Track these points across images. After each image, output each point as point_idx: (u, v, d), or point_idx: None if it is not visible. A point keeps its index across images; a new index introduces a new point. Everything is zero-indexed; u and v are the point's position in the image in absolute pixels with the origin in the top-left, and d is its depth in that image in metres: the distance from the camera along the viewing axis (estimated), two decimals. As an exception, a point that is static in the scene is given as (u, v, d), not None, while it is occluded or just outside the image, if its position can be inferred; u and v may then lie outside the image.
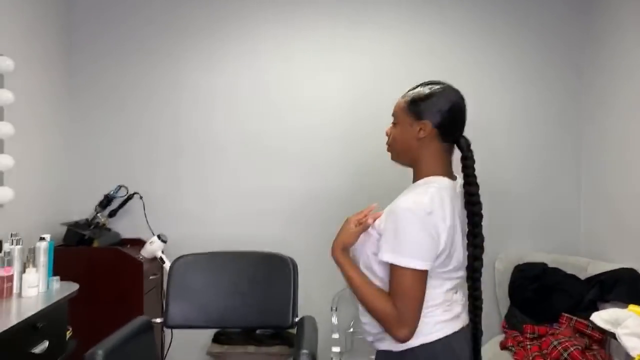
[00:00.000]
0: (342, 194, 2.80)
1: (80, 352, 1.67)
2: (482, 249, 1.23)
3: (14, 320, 1.56)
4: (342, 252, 1.30)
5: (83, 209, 2.71)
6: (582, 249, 2.72)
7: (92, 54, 2.77)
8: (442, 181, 1.24)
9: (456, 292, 1.28)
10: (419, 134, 1.24)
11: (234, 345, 2.47)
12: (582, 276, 2.48)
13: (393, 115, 1.31)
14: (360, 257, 1.29)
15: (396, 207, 1.18)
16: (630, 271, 2.27)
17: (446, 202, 1.19)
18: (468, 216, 1.23)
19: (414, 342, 1.19)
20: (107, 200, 2.63)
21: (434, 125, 1.23)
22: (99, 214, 2.60)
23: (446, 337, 1.22)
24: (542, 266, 2.59)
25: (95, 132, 2.78)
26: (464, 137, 1.27)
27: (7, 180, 2.12)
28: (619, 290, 2.25)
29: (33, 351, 1.64)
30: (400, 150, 1.30)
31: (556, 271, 2.56)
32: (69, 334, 1.97)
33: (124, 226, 2.73)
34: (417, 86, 1.30)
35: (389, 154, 1.34)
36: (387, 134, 1.34)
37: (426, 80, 1.32)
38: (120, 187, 2.67)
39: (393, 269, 1.16)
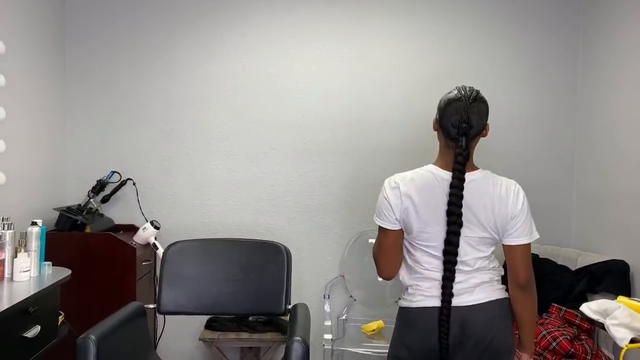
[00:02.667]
0: (336, 183, 2.80)
1: (73, 337, 1.67)
2: (454, 234, 1.38)
3: (5, 304, 1.55)
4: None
5: (76, 195, 2.69)
6: (573, 241, 2.75)
7: (87, 39, 2.73)
8: (429, 168, 1.46)
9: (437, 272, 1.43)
10: (434, 127, 1.51)
11: (227, 332, 2.48)
12: (573, 267, 2.51)
13: None
14: None
15: None
16: (619, 263, 2.30)
17: (413, 185, 1.43)
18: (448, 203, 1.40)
19: (401, 303, 1.50)
20: (100, 185, 2.61)
21: (437, 122, 1.47)
22: (92, 200, 2.58)
23: (417, 308, 1.43)
24: (534, 257, 2.60)
25: (89, 117, 2.76)
26: (463, 137, 1.40)
27: (-1, 164, 2.10)
28: (609, 282, 2.28)
29: (25, 335, 1.64)
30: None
31: (547, 262, 2.59)
32: (61, 318, 1.97)
33: (117, 212, 2.72)
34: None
35: None
36: None
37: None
38: (113, 172, 2.66)
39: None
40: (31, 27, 2.42)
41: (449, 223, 1.38)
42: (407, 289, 1.48)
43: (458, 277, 1.40)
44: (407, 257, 1.49)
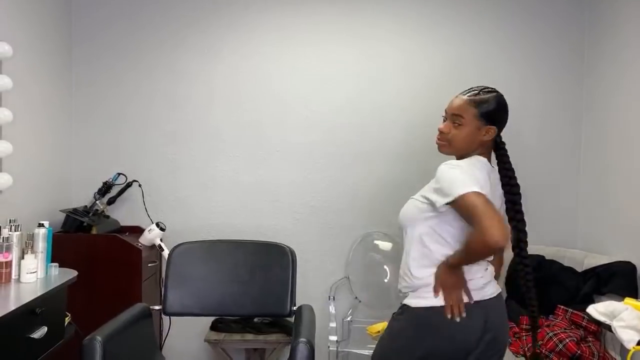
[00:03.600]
0: (341, 184, 2.80)
1: (79, 338, 1.68)
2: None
3: (12, 305, 1.56)
4: (449, 268, 1.40)
5: (82, 196, 2.71)
6: (579, 242, 2.73)
7: (92, 42, 2.75)
8: (482, 159, 1.44)
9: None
10: (483, 137, 1.44)
11: (232, 333, 2.49)
12: (579, 269, 2.49)
13: (456, 115, 1.44)
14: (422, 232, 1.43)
15: (438, 170, 1.38)
16: (626, 264, 2.28)
17: (478, 167, 1.39)
18: (508, 199, 1.46)
19: (425, 302, 1.39)
20: (106, 187, 2.62)
21: (498, 130, 1.45)
22: (97, 201, 2.59)
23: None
24: (539, 259, 2.60)
25: (95, 119, 2.77)
26: (500, 136, 1.49)
27: (6, 167, 2.12)
28: (615, 283, 2.26)
29: (32, 336, 1.64)
30: (461, 150, 1.45)
31: (553, 264, 2.57)
32: (67, 319, 1.97)
33: (123, 214, 2.73)
34: (478, 92, 1.45)
35: (440, 147, 1.50)
36: (443, 131, 1.48)
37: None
38: (119, 174, 2.67)
39: (459, 201, 1.29)
40: (37, 30, 2.44)
41: (516, 213, 1.46)
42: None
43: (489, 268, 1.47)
44: (447, 247, 1.39)
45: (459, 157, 1.47)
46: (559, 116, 2.77)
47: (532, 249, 2.67)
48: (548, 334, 2.18)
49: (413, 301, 1.42)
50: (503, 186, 1.46)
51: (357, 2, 2.76)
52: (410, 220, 1.45)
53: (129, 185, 2.67)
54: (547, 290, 2.46)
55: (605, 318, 1.76)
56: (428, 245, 1.41)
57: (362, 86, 2.78)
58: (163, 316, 2.40)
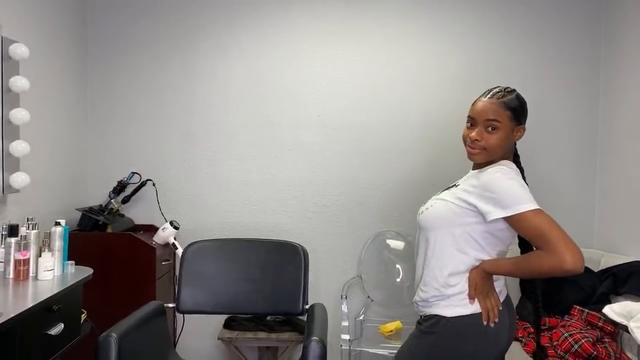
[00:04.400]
0: (353, 183, 2.79)
1: (95, 335, 1.71)
2: None
3: (30, 302, 1.59)
4: (486, 274, 1.38)
5: (98, 195, 2.74)
6: (595, 242, 2.69)
7: (107, 43, 2.79)
8: (512, 163, 1.44)
9: None
10: (516, 137, 1.43)
11: (245, 331, 2.50)
12: (595, 269, 2.46)
13: (491, 120, 1.39)
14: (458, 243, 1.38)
15: (489, 178, 1.33)
16: (644, 264, 2.25)
17: (520, 176, 1.39)
18: None
19: (461, 311, 1.34)
20: (120, 186, 2.66)
21: (524, 123, 1.43)
22: (112, 200, 2.63)
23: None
24: (555, 258, 2.57)
25: (110, 119, 2.81)
26: None
27: (23, 166, 2.15)
28: (632, 284, 2.23)
29: (49, 332, 1.67)
30: (499, 153, 1.41)
31: (569, 263, 2.54)
32: (83, 316, 2.00)
33: (138, 212, 2.77)
34: (503, 94, 1.42)
35: (474, 155, 1.43)
36: (477, 139, 1.41)
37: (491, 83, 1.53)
38: (133, 173, 2.70)
39: (523, 217, 1.26)
40: (53, 32, 2.48)
41: None
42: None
43: None
44: (483, 252, 1.37)
45: (488, 163, 1.43)
46: (576, 113, 2.73)
47: (547, 248, 2.66)
48: (563, 334, 2.15)
49: (448, 311, 1.36)
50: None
51: (369, 2, 2.75)
52: (442, 224, 1.38)
53: (143, 184, 2.70)
54: (563, 290, 2.43)
55: (621, 319, 1.73)
56: (465, 250, 1.36)
57: (374, 85, 2.77)
58: (177, 314, 2.42)
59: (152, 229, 2.66)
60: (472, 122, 1.42)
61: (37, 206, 2.27)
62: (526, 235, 1.29)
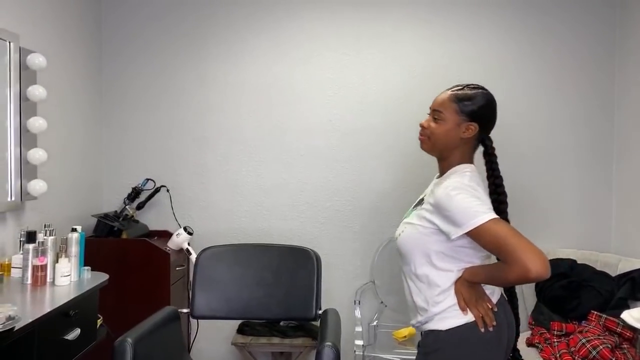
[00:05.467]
0: (365, 187, 2.79)
1: (110, 339, 1.72)
2: None
3: (47, 307, 1.61)
4: (469, 283, 1.33)
5: (112, 202, 2.78)
6: (613, 246, 2.65)
7: (122, 52, 2.83)
8: (472, 167, 1.38)
9: None
10: (463, 134, 1.36)
11: (259, 337, 2.51)
12: (613, 273, 2.41)
13: (436, 110, 1.39)
14: (421, 258, 1.35)
15: (441, 195, 1.28)
16: (664, 269, 2.20)
17: (481, 183, 1.34)
18: (495, 206, 1.34)
19: (456, 322, 1.30)
20: (135, 193, 2.69)
21: (480, 128, 1.37)
22: (127, 206, 2.66)
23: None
24: (571, 262, 2.53)
25: (124, 126, 2.85)
26: (488, 137, 1.41)
27: (41, 173, 2.19)
28: (652, 288, 2.19)
29: (66, 337, 1.69)
30: (440, 145, 1.39)
31: (586, 268, 2.50)
32: (99, 322, 2.03)
33: (152, 218, 2.80)
34: (462, 87, 1.39)
35: (422, 143, 1.43)
36: (424, 127, 1.42)
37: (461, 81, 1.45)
38: (148, 180, 2.73)
39: (480, 230, 1.21)
40: (69, 41, 2.53)
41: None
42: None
43: None
44: (462, 262, 1.33)
45: (440, 156, 1.41)
46: (592, 117, 2.70)
47: (564, 252, 2.64)
48: (581, 340, 2.11)
49: (443, 324, 1.32)
50: (490, 195, 1.36)
51: (380, 7, 2.75)
52: (417, 249, 1.34)
53: (157, 190, 2.73)
54: (580, 295, 2.39)
55: (641, 324, 1.70)
56: (445, 267, 1.32)
57: (386, 89, 2.77)
58: (191, 319, 2.44)
59: (166, 235, 2.69)
60: (430, 112, 1.43)
61: (54, 213, 2.31)
62: (487, 248, 1.25)
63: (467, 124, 1.36)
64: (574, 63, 2.70)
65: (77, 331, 1.75)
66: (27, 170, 2.11)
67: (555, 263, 2.54)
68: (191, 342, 2.66)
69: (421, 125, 1.42)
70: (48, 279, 1.89)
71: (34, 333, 1.51)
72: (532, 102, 2.72)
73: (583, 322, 2.30)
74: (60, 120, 2.40)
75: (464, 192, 1.26)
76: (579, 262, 2.53)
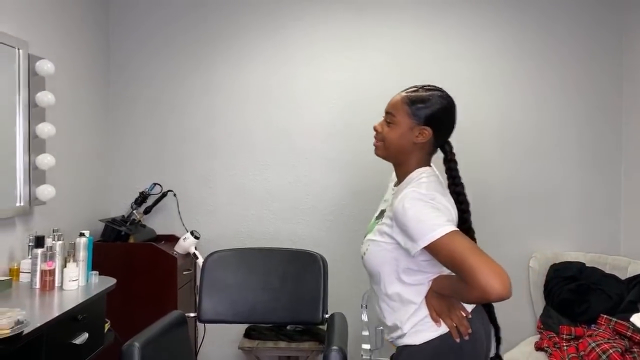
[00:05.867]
0: (371, 191, 2.78)
1: (118, 344, 1.73)
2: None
3: (56, 312, 1.62)
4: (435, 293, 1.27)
5: (120, 206, 2.80)
6: (622, 249, 2.62)
7: (129, 57, 2.85)
8: (429, 170, 1.31)
9: None
10: (417, 138, 1.28)
11: (265, 341, 2.50)
12: (622, 276, 2.39)
13: (389, 113, 1.32)
14: (389, 277, 1.29)
15: (397, 209, 1.19)
16: (674, 271, 2.18)
17: (440, 187, 1.27)
18: (459, 215, 1.28)
19: (429, 335, 1.23)
20: (142, 197, 2.70)
21: (434, 133, 1.28)
22: (134, 211, 2.67)
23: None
24: (580, 266, 2.51)
25: (132, 132, 2.86)
26: (448, 142, 1.32)
27: (49, 179, 2.21)
28: (662, 292, 2.16)
29: (74, 342, 1.70)
30: (394, 151, 1.31)
31: (594, 271, 2.48)
32: (107, 326, 2.03)
33: (159, 223, 2.81)
34: (417, 89, 1.32)
35: (376, 149, 1.36)
36: (377, 130, 1.35)
37: (421, 82, 1.37)
38: (155, 184, 2.75)
39: (436, 245, 1.13)
40: (77, 48, 2.55)
41: (469, 230, 1.29)
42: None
43: None
44: (431, 274, 1.27)
45: (396, 162, 1.33)
46: (600, 118, 2.68)
47: (572, 255, 2.62)
48: (590, 344, 2.09)
49: (417, 337, 1.25)
50: (456, 203, 1.30)
51: (382, 9, 2.75)
52: (383, 266, 1.27)
53: (164, 195, 2.74)
54: (589, 298, 2.37)
55: (651, 328, 1.68)
56: (414, 281, 1.25)
57: (392, 93, 2.75)
58: (198, 323, 2.44)
59: (173, 239, 2.69)
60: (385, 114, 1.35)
61: (62, 218, 2.33)
62: (444, 265, 1.17)
63: (420, 128, 1.27)
64: (582, 63, 2.69)
65: (85, 335, 1.75)
66: (35, 176, 2.13)
67: (564, 266, 2.53)
68: (198, 346, 2.66)
69: (375, 129, 1.35)
70: (56, 284, 1.90)
71: (42, 337, 1.52)
72: (540, 102, 2.71)
73: (592, 325, 2.28)
74: (68, 125, 2.43)
75: (419, 203, 1.17)
76: (587, 265, 2.51)
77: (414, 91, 1.31)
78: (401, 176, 1.34)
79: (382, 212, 1.34)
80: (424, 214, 1.16)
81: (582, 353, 2.10)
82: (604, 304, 2.33)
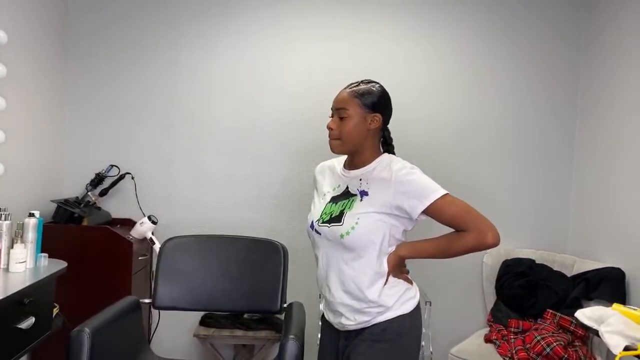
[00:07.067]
0: (335, 182, 2.79)
1: (67, 329, 1.67)
2: None
3: (0, 294, 1.55)
4: (400, 258, 1.44)
5: (74, 187, 2.69)
6: (569, 248, 2.75)
7: (88, 33, 2.73)
8: (391, 156, 1.49)
9: None
10: (370, 125, 1.44)
11: (221, 329, 2.48)
12: (569, 274, 2.51)
13: (341, 109, 1.44)
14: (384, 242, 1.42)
15: (399, 175, 1.37)
16: (615, 270, 2.31)
17: None
18: None
19: (415, 301, 1.45)
20: (98, 179, 2.61)
21: (383, 118, 1.45)
22: (89, 193, 2.58)
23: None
24: (530, 262, 2.62)
25: (89, 110, 2.75)
26: (387, 128, 1.51)
27: (-2, 155, 2.10)
28: (604, 289, 2.29)
29: (19, 326, 1.63)
30: (352, 142, 1.44)
31: (543, 268, 2.59)
32: (55, 311, 1.96)
33: (115, 206, 2.72)
34: (358, 84, 1.47)
35: (333, 148, 1.48)
36: (332, 128, 1.46)
37: (364, 78, 1.53)
38: (112, 166, 2.65)
39: (439, 204, 1.34)
40: (33, 18, 2.42)
41: None
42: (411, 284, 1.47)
43: None
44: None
45: (352, 153, 1.47)
46: (553, 121, 2.79)
47: (523, 252, 2.72)
48: (536, 337, 2.19)
49: (406, 306, 1.43)
50: None
51: (356, 1, 2.75)
52: (374, 234, 1.38)
53: (121, 177, 2.66)
54: (537, 293, 2.48)
55: (592, 323, 1.77)
56: (388, 251, 1.42)
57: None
58: (152, 310, 2.39)
59: (129, 223, 2.62)
60: (332, 112, 1.48)
61: (10, 196, 2.21)
62: (445, 219, 1.36)
63: (372, 115, 1.43)
64: (541, 65, 2.76)
65: (32, 320, 1.69)
66: (-18, 151, 2.02)
67: (515, 262, 2.62)
68: (152, 333, 2.61)
69: (329, 127, 1.46)
70: (2, 265, 1.83)
71: (-16, 321, 1.45)
72: (496, 102, 2.77)
73: (539, 320, 2.39)
74: (20, 100, 2.30)
75: (417, 171, 1.39)
76: (537, 262, 2.62)
77: (357, 85, 1.46)
78: (360, 163, 1.48)
79: (347, 192, 1.46)
80: (425, 179, 1.37)
81: (528, 345, 2.20)
82: (551, 300, 2.44)
